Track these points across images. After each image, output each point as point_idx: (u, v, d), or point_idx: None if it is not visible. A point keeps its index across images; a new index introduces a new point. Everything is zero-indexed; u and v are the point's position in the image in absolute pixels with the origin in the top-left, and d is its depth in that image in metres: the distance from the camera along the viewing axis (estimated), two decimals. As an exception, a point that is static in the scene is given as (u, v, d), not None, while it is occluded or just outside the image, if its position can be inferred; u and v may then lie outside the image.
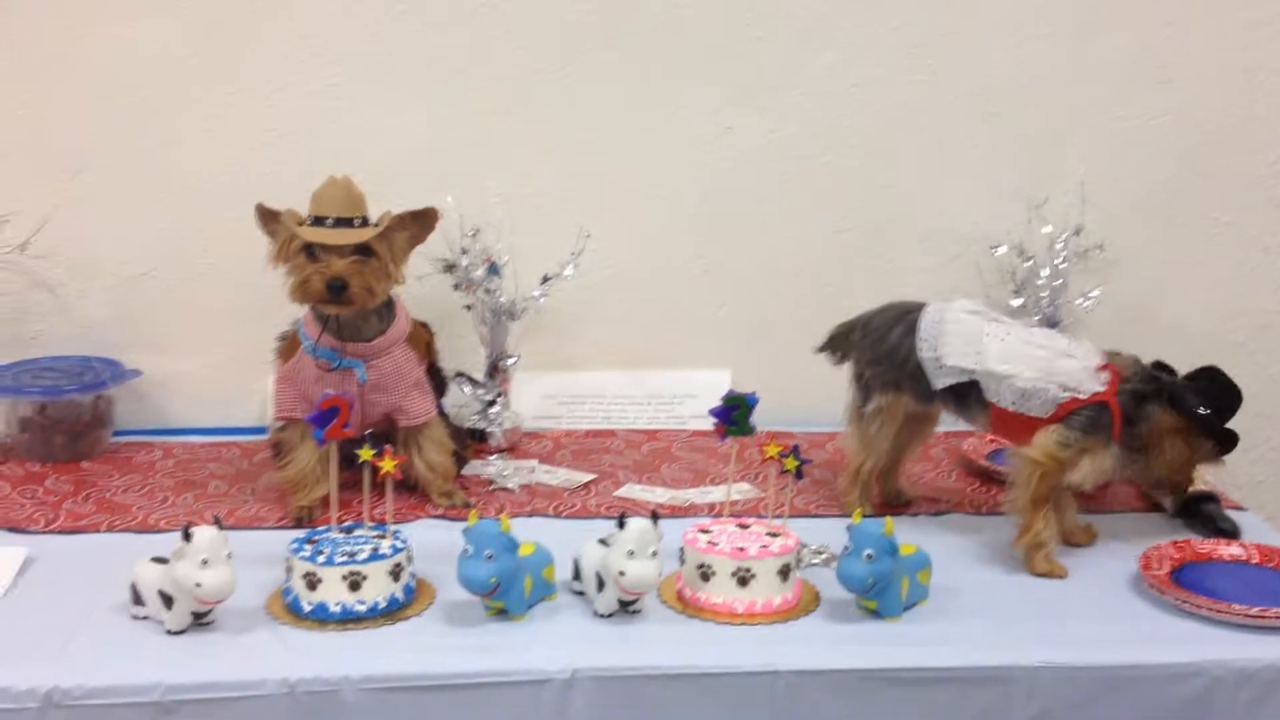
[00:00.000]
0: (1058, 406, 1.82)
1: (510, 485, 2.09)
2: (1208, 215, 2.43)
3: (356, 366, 1.94)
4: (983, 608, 1.71)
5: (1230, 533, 1.93)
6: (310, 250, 1.88)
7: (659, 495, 2.07)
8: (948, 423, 2.02)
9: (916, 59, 2.34)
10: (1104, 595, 1.76)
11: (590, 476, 2.14)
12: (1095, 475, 1.83)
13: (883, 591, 1.64)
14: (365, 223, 1.90)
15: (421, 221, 1.96)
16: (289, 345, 1.99)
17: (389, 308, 1.97)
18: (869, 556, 1.61)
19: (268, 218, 1.92)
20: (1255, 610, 1.65)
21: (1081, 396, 1.81)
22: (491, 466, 2.16)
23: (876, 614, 1.66)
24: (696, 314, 2.42)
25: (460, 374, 2.27)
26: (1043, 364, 1.83)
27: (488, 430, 2.27)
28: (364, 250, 1.88)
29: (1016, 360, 1.84)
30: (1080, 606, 1.73)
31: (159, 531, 1.89)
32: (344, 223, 1.88)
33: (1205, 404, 1.85)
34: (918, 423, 1.99)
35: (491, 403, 2.28)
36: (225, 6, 2.23)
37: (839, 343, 2.04)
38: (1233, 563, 1.84)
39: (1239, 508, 2.04)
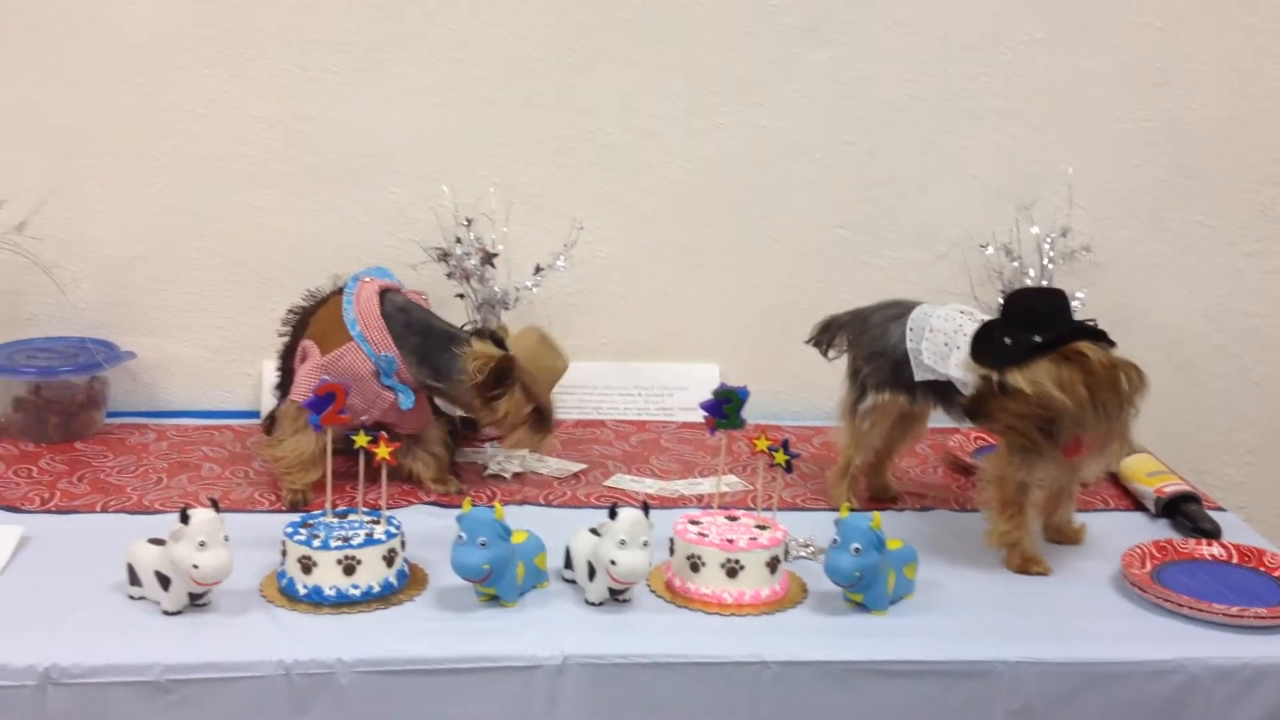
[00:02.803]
0: None
1: (502, 473, 2.11)
2: (1193, 218, 2.46)
3: (405, 392, 1.96)
4: (967, 602, 1.74)
5: (1211, 533, 1.96)
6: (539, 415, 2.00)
7: (648, 486, 2.10)
8: (935, 419, 2.04)
9: (909, 58, 2.36)
10: (1087, 592, 1.79)
11: (581, 466, 2.16)
12: (1046, 470, 1.80)
13: (869, 585, 1.66)
14: None
15: None
16: (328, 330, 1.97)
17: None
18: (856, 550, 1.64)
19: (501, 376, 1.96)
20: (1234, 610, 1.68)
21: None
22: (483, 454, 2.17)
23: (863, 607, 1.69)
24: (687, 307, 2.44)
25: (453, 362, 2.28)
26: None
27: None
28: None
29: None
30: (1063, 603, 1.76)
31: (154, 512, 1.91)
32: None
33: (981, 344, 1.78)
34: (909, 421, 2.02)
35: (483, 391, 2.30)
36: (226, -7, 2.24)
37: (826, 334, 2.06)
38: (1213, 562, 1.87)
39: (1219, 508, 2.07)
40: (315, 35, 2.27)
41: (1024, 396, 1.70)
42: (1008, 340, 1.71)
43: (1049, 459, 1.76)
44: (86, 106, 2.25)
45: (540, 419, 1.99)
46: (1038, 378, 1.68)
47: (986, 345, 1.75)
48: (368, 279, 2.01)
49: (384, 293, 1.99)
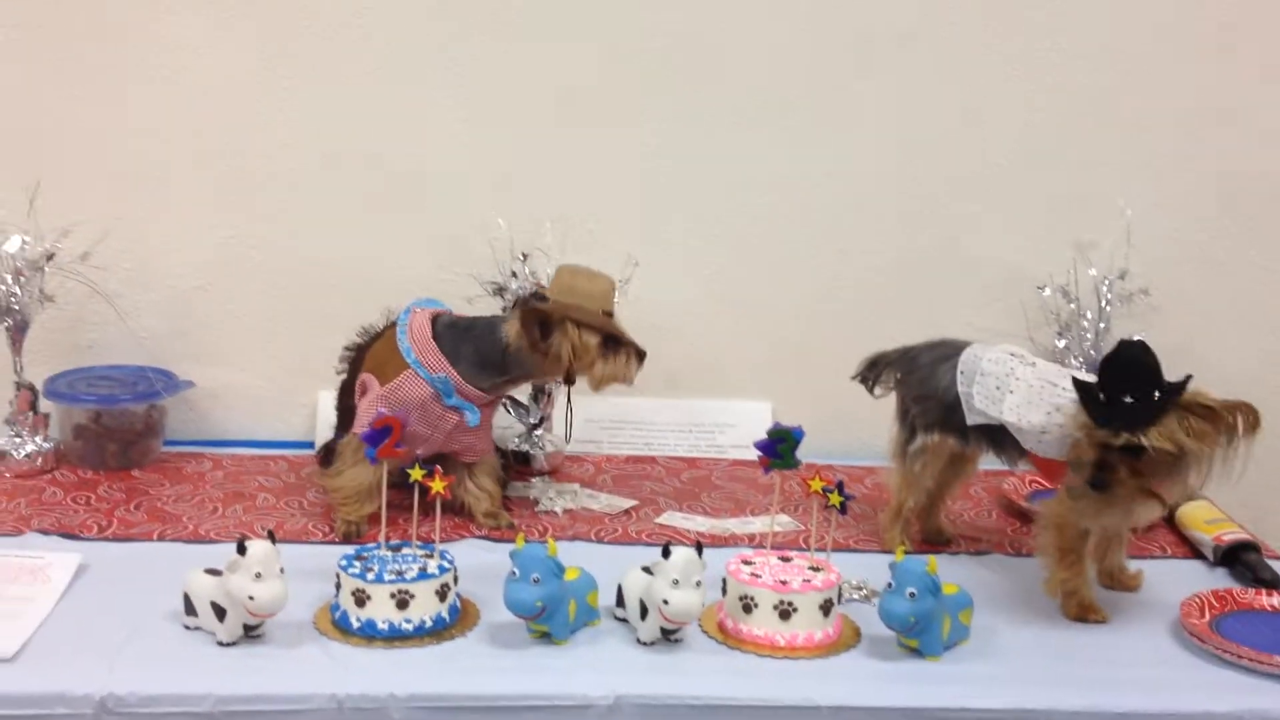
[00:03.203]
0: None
1: (554, 509, 2.11)
2: (1254, 262, 2.43)
3: (469, 410, 1.96)
4: (1023, 649, 1.72)
5: (1271, 583, 1.93)
6: (608, 340, 1.96)
7: (699, 524, 2.09)
8: (988, 461, 2.02)
9: (965, 95, 2.36)
10: (1144, 641, 1.76)
11: (632, 502, 2.16)
12: (1106, 516, 1.79)
13: (924, 630, 1.65)
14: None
15: None
16: (385, 361, 1.97)
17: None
18: (912, 595, 1.63)
19: (545, 324, 1.93)
20: (1295, 662, 1.65)
21: None
22: (534, 489, 2.18)
23: (917, 652, 1.67)
24: (740, 344, 2.44)
25: (506, 396, 2.29)
26: (1048, 404, 1.82)
27: (530, 453, 2.29)
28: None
29: (1028, 406, 1.84)
30: (1120, 652, 1.73)
31: (209, 542, 1.92)
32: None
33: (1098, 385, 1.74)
34: (961, 462, 2.00)
35: (536, 426, 2.30)
36: (294, 25, 2.27)
37: (873, 371, 2.05)
38: (1273, 613, 1.84)
39: (1279, 557, 2.04)
40: (376, 69, 2.29)
41: (1161, 455, 1.67)
42: (1129, 399, 1.68)
43: (1114, 507, 1.75)
44: (152, 139, 2.28)
45: (612, 345, 1.96)
46: (1174, 434, 1.67)
47: (1104, 409, 1.70)
48: (419, 309, 2.02)
49: (435, 318, 2.01)
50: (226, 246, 2.33)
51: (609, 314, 1.98)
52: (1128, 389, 1.68)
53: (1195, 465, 1.70)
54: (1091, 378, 1.76)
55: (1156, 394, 1.67)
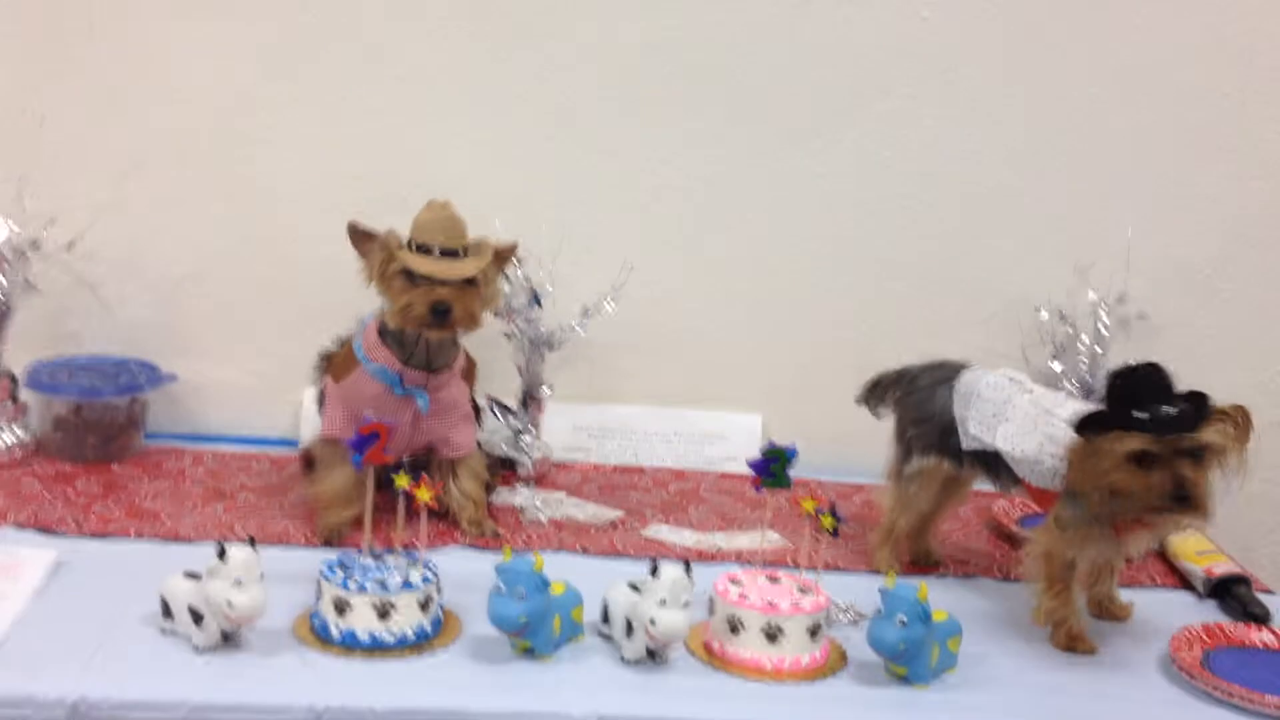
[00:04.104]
0: (1063, 478, 1.78)
1: (539, 517, 2.08)
2: (1253, 290, 2.42)
3: (419, 395, 1.94)
4: (1010, 679, 1.70)
5: (1260, 617, 1.91)
6: (410, 274, 1.88)
7: (686, 538, 2.06)
8: (979, 482, 2.00)
9: (970, 114, 2.34)
10: (1133, 675, 1.74)
11: (618, 514, 2.13)
12: (1096, 549, 1.78)
13: (913, 658, 1.63)
14: (467, 251, 1.91)
15: (509, 254, 2.00)
16: (341, 364, 1.98)
17: (454, 340, 1.98)
18: (902, 622, 1.60)
19: (361, 237, 1.93)
20: (1286, 702, 1.63)
21: None
22: (520, 496, 2.15)
23: (906, 679, 1.65)
24: (732, 355, 2.42)
25: (493, 400, 2.27)
26: (1041, 433, 1.81)
27: (517, 459, 2.27)
28: (466, 279, 1.90)
29: (1022, 435, 1.82)
30: (1109, 686, 1.71)
31: (187, 541, 1.89)
32: (449, 252, 1.88)
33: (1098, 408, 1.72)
34: (955, 485, 1.98)
35: (523, 431, 2.28)
36: (291, 18, 2.24)
37: (875, 393, 2.03)
38: (1265, 650, 1.82)
39: (1269, 591, 2.02)
40: (372, 69, 2.26)
41: (1213, 456, 1.66)
42: (1168, 410, 1.65)
43: (1104, 538, 1.73)
44: (141, 128, 2.25)
45: (411, 279, 1.88)
46: (1224, 431, 1.66)
47: (1153, 420, 1.65)
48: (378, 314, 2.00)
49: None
50: (214, 239, 2.29)
51: (451, 251, 1.89)
52: (1159, 400, 1.66)
53: (1234, 466, 1.68)
54: (1091, 406, 1.74)
55: (1181, 404, 1.66)
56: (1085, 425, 1.70)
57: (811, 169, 2.35)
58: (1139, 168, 2.37)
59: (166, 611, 1.61)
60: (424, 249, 1.88)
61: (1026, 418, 1.83)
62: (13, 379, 2.15)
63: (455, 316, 1.88)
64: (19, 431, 2.13)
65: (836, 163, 2.35)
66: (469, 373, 2.04)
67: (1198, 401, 1.67)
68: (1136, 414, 1.65)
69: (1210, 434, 1.65)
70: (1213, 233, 2.40)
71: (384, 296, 1.92)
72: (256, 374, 2.33)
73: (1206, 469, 1.67)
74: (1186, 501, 1.65)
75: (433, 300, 1.87)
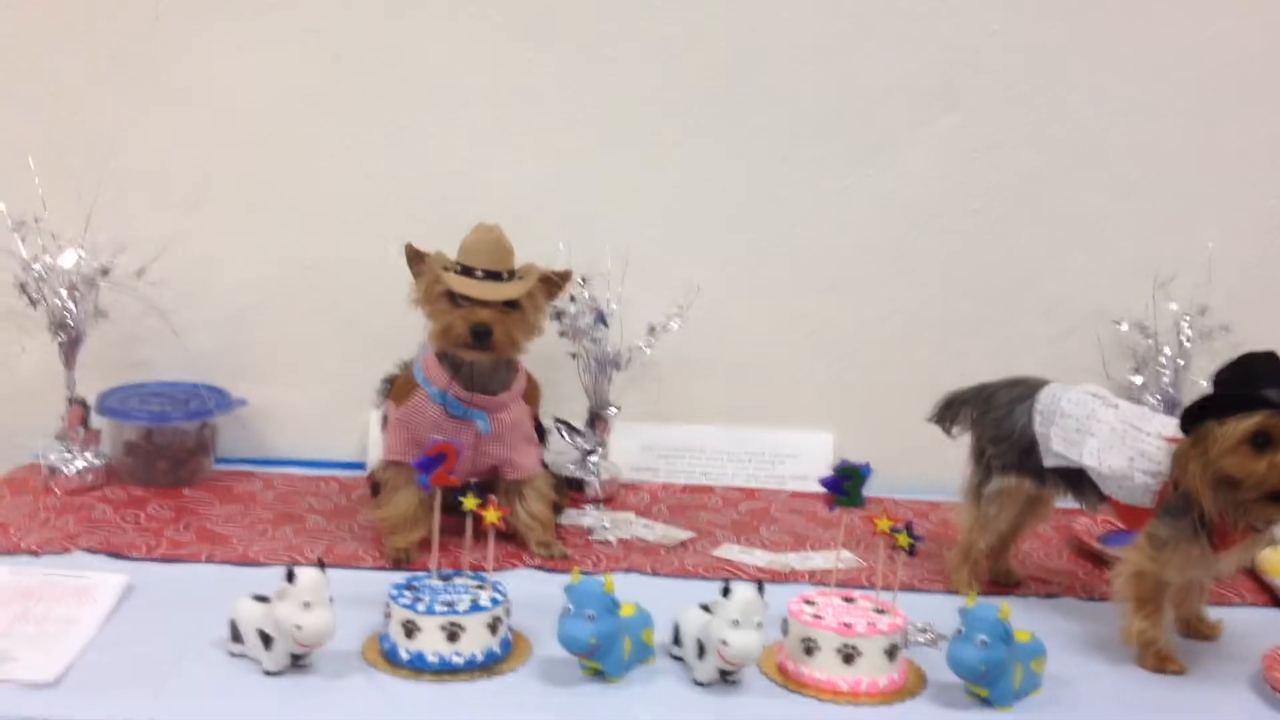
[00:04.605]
0: (1154, 494, 1.74)
1: (608, 538, 2.06)
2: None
3: (479, 417, 1.93)
4: (1097, 700, 1.65)
5: (1356, 635, 1.84)
6: (454, 295, 1.88)
7: (758, 558, 2.03)
8: (1059, 500, 1.95)
9: (1042, 126, 2.29)
10: (1225, 695, 1.68)
11: (688, 534, 2.10)
12: (1192, 568, 1.72)
13: (995, 679, 1.58)
14: (512, 275, 1.90)
15: (560, 281, 1.98)
16: (402, 388, 1.98)
17: (512, 361, 1.97)
18: (983, 643, 1.56)
19: (415, 258, 1.93)
20: (1388, 724, 1.57)
21: (1168, 479, 1.71)
22: (588, 517, 2.13)
23: (987, 702, 1.60)
24: (802, 373, 2.39)
25: (560, 421, 2.25)
26: (1131, 448, 1.76)
27: (585, 479, 2.25)
28: (509, 302, 1.89)
29: (1109, 450, 1.78)
30: (1198, 707, 1.65)
31: (257, 564, 1.89)
32: (492, 275, 1.88)
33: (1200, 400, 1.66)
34: (1036, 503, 1.93)
35: (591, 452, 2.26)
36: (353, 44, 2.25)
37: (949, 412, 1.99)
38: (1362, 669, 1.75)
39: (1364, 607, 1.96)
40: (435, 91, 2.27)
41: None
42: None
43: (1201, 556, 1.68)
44: (209, 158, 2.27)
45: (453, 300, 1.88)
46: None
47: (1272, 401, 1.60)
48: None
49: None
50: (280, 266, 2.31)
51: (495, 274, 1.88)
52: (1276, 384, 1.60)
53: None
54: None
55: None
56: (1195, 414, 1.65)
57: (880, 185, 2.31)
58: (1218, 177, 2.31)
59: (235, 635, 1.60)
60: (468, 271, 1.88)
61: (1113, 433, 1.78)
62: (84, 405, 2.16)
63: (495, 339, 1.88)
64: (91, 458, 2.15)
65: (906, 178, 2.31)
66: (531, 394, 2.03)
67: None
68: (1254, 394, 1.59)
69: None
70: (1296, 242, 2.33)
71: (428, 318, 1.92)
72: (324, 398, 2.34)
73: None
74: None
75: (473, 322, 1.86)
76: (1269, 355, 1.64)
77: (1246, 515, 1.65)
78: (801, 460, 2.36)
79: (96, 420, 2.18)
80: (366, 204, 2.28)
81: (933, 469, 2.26)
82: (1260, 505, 1.63)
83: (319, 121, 2.27)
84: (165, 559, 1.89)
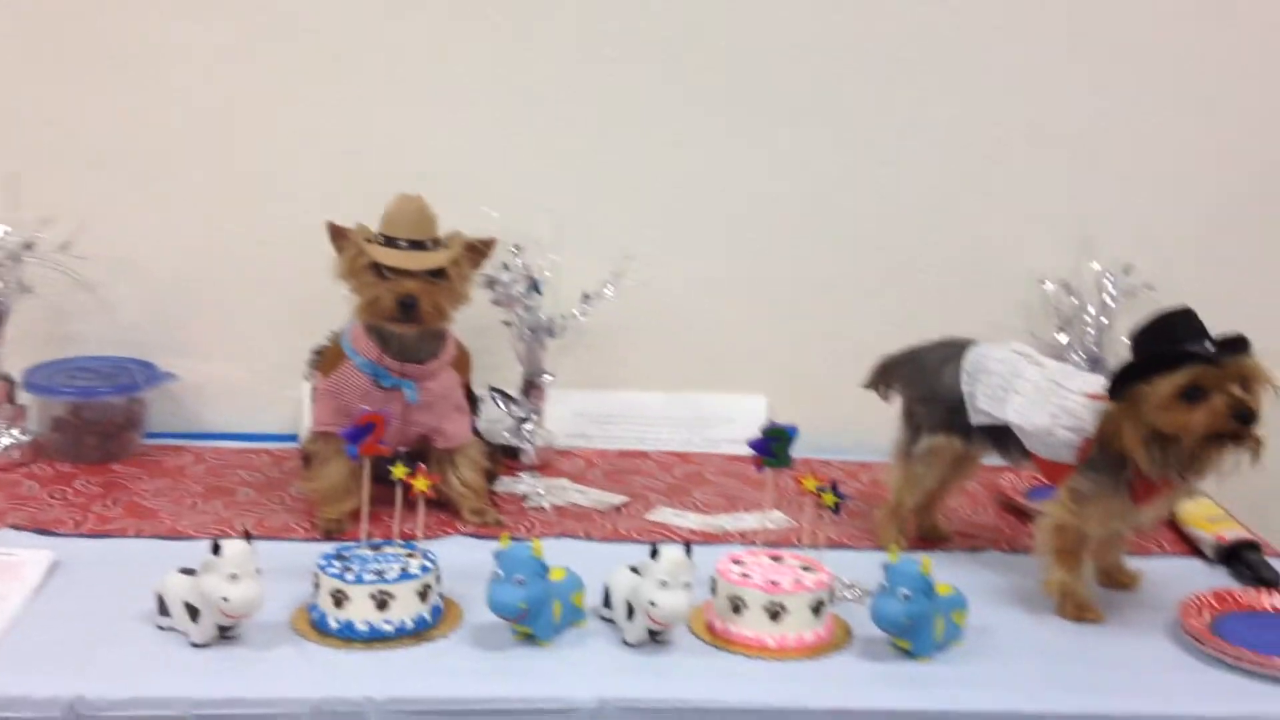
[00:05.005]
0: (1077, 450, 1.77)
1: (542, 504, 2.07)
2: (1262, 257, 2.39)
3: (407, 386, 1.93)
4: (1018, 650, 1.68)
5: (1272, 582, 1.89)
6: (379, 267, 1.87)
7: (691, 520, 2.05)
8: (986, 456, 1.98)
9: (966, 89, 2.31)
10: (1142, 643, 1.72)
11: (622, 499, 2.12)
12: (1113, 521, 1.76)
13: (918, 632, 1.61)
14: (437, 244, 1.90)
15: (485, 249, 1.98)
16: (329, 359, 1.98)
17: (442, 331, 1.97)
18: (905, 596, 1.59)
19: (337, 234, 1.92)
20: (1298, 665, 1.61)
21: (1091, 435, 1.75)
22: (523, 484, 2.14)
23: (910, 653, 1.63)
24: (734, 338, 2.40)
25: (494, 389, 2.25)
26: (1054, 405, 1.79)
27: (520, 447, 2.25)
28: (435, 271, 1.88)
29: (1033, 407, 1.80)
30: (1117, 653, 1.69)
31: (187, 538, 1.88)
32: (416, 245, 1.88)
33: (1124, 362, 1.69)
34: (964, 462, 1.96)
35: (525, 419, 2.26)
36: (279, 12, 2.23)
37: (884, 376, 2.01)
38: (1275, 614, 1.80)
39: (1280, 555, 2.00)
40: (363, 57, 2.25)
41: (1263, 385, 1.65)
42: (1209, 345, 1.63)
43: (1121, 509, 1.71)
44: (131, 125, 2.24)
45: (378, 272, 1.88)
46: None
47: (1199, 354, 1.63)
48: None
49: None
50: (209, 238, 2.28)
51: (419, 244, 1.88)
52: (1198, 339, 1.63)
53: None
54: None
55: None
56: (1123, 379, 1.68)
57: (810, 149, 2.33)
58: (1140, 139, 2.34)
59: (163, 608, 1.60)
60: (391, 242, 1.87)
61: (1037, 390, 1.81)
62: (10, 382, 2.14)
63: (422, 310, 1.87)
64: (17, 434, 2.13)
65: (833, 142, 2.33)
66: (461, 363, 2.03)
67: (1235, 341, 1.64)
68: (1178, 349, 1.63)
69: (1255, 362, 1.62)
70: (1218, 201, 2.36)
71: (354, 291, 1.92)
72: (255, 371, 2.32)
73: (1258, 394, 1.63)
74: (1251, 419, 1.62)
75: (399, 294, 1.86)
76: (1185, 310, 1.68)
77: (1183, 467, 1.68)
78: (735, 424, 2.37)
79: (23, 396, 2.16)
80: (294, 171, 2.25)
81: (863, 430, 2.29)
82: (1199, 451, 1.66)
83: (243, 88, 2.24)
84: (93, 534, 1.88)
